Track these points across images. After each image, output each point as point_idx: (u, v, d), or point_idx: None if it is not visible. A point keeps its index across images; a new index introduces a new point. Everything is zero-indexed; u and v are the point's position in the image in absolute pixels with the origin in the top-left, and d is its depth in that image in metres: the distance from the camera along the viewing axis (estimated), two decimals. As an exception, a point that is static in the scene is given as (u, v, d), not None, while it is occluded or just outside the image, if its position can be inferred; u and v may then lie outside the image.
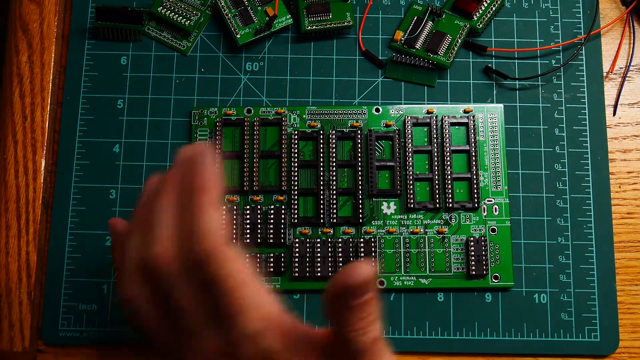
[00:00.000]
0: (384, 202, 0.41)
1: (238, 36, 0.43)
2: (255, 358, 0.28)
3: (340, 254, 0.40)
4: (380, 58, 0.44)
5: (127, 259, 0.30)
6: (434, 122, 0.42)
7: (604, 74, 0.44)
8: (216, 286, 0.28)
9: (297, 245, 0.40)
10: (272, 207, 0.41)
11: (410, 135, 0.42)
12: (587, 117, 0.43)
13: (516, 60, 0.44)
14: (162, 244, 0.29)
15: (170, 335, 0.30)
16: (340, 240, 0.40)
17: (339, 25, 0.43)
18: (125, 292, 0.30)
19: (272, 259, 0.40)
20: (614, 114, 0.43)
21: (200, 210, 0.29)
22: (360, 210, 0.41)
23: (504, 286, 0.40)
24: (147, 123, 0.43)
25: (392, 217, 0.41)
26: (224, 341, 0.29)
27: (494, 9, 0.44)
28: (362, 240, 0.40)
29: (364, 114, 0.42)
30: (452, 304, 0.40)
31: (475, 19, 0.43)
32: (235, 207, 0.41)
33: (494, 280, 0.40)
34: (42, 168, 0.41)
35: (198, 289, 0.29)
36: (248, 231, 0.40)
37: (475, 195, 0.41)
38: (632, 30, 0.44)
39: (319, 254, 0.40)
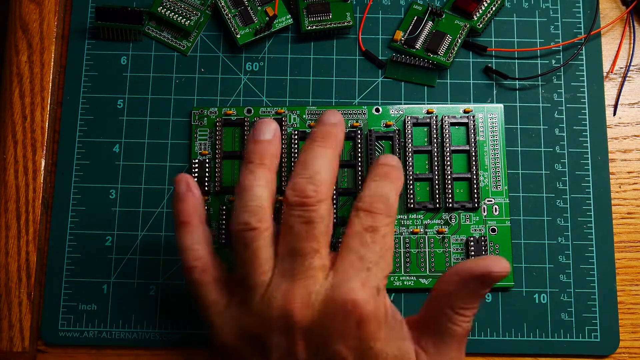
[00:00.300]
0: (384, 202, 0.41)
1: (238, 36, 0.43)
2: (361, 311, 0.31)
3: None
4: (380, 58, 0.44)
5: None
6: (434, 122, 0.42)
7: (604, 74, 0.44)
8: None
9: (297, 245, 0.40)
10: (272, 207, 0.41)
11: (410, 135, 0.42)
12: (587, 117, 0.43)
13: (516, 60, 0.44)
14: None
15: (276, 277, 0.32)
16: (340, 240, 0.40)
17: (339, 25, 0.43)
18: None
19: (272, 259, 0.40)
20: (614, 114, 0.43)
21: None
22: (360, 210, 0.41)
23: (504, 286, 0.40)
24: (147, 123, 0.43)
25: (392, 217, 0.41)
26: (331, 287, 0.31)
27: (494, 9, 0.44)
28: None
29: (364, 114, 0.42)
30: (452, 304, 0.40)
31: (475, 19, 0.43)
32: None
33: (494, 280, 0.40)
34: (42, 168, 0.41)
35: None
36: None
37: (475, 195, 0.41)
38: (632, 30, 0.44)
39: (319, 254, 0.40)
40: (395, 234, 0.41)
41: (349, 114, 0.42)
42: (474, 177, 0.41)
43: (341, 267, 0.32)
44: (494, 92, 0.43)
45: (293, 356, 0.31)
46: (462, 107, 0.42)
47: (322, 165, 0.33)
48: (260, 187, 0.33)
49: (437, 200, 0.41)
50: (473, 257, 0.39)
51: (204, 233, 0.35)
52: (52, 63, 0.43)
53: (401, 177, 0.35)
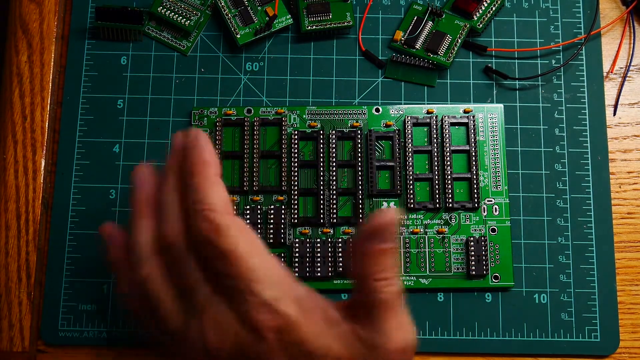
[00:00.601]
0: (384, 202, 0.41)
1: (238, 36, 0.43)
2: (272, 325, 0.29)
3: (340, 254, 0.40)
4: (380, 58, 0.44)
5: (138, 242, 0.31)
6: (434, 122, 0.42)
7: (604, 74, 0.44)
8: (227, 257, 0.29)
9: (297, 245, 0.40)
10: (272, 207, 0.41)
11: (410, 135, 0.42)
12: (587, 117, 0.43)
13: (516, 60, 0.44)
14: (170, 222, 0.30)
15: (185, 316, 0.30)
16: (340, 240, 0.40)
17: (339, 25, 0.43)
18: (139, 274, 0.31)
19: (272, 259, 0.40)
20: (614, 114, 0.43)
21: (203, 184, 0.30)
22: (360, 210, 0.41)
23: (504, 286, 0.40)
24: (147, 123, 0.43)
25: (392, 217, 0.41)
26: (238, 313, 0.29)
27: (494, 9, 0.44)
28: (362, 240, 0.40)
29: (364, 114, 0.42)
30: (452, 304, 0.40)
31: (475, 19, 0.43)
32: (235, 207, 0.41)
33: (494, 280, 0.40)
34: (42, 168, 0.41)
35: (208, 262, 0.29)
36: (248, 231, 0.40)
37: (475, 195, 0.41)
38: (632, 30, 0.44)
39: (319, 254, 0.40)
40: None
41: (349, 114, 0.42)
42: (474, 177, 0.41)
43: (230, 301, 0.30)
44: (494, 92, 0.43)
45: None
46: (462, 107, 0.42)
47: (211, 196, 0.30)
48: (141, 233, 0.32)
49: (437, 200, 0.41)
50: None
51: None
52: (52, 63, 0.43)
53: (206, 149, 0.32)
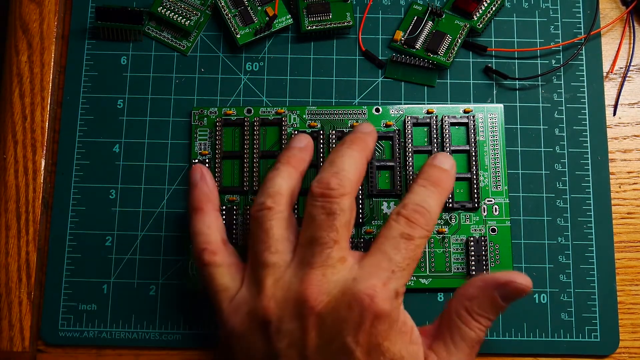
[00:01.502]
0: (384, 202, 0.41)
1: (238, 36, 0.43)
2: (376, 309, 0.31)
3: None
4: (380, 58, 0.44)
5: (279, 183, 0.35)
6: (434, 122, 0.42)
7: (604, 74, 0.44)
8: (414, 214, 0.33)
9: (297, 245, 0.40)
10: (272, 207, 0.41)
11: (410, 135, 0.42)
12: (587, 117, 0.43)
13: (516, 60, 0.44)
14: (343, 173, 0.34)
15: (290, 260, 0.33)
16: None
17: (339, 25, 0.43)
18: (269, 204, 0.34)
19: (272, 259, 0.40)
20: (614, 114, 0.43)
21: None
22: (360, 210, 0.41)
23: (504, 286, 0.40)
24: (147, 123, 0.43)
25: (392, 217, 0.41)
26: (356, 279, 0.32)
27: (494, 9, 0.44)
28: (362, 240, 0.40)
29: (364, 114, 0.42)
30: (452, 304, 0.40)
31: (475, 19, 0.43)
32: (235, 207, 0.41)
33: (494, 280, 0.40)
34: (42, 168, 0.41)
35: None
36: (248, 231, 0.40)
37: (475, 195, 0.41)
38: (632, 30, 0.44)
39: (319, 254, 0.40)
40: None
41: (349, 114, 0.42)
42: (474, 177, 0.41)
43: (368, 263, 0.32)
44: (494, 92, 0.43)
45: (302, 344, 0.31)
46: (462, 107, 0.42)
47: (349, 164, 0.34)
48: (282, 178, 0.35)
49: (437, 200, 0.41)
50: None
51: (216, 220, 0.36)
52: (52, 63, 0.43)
53: (452, 184, 0.36)
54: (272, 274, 0.33)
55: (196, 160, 0.41)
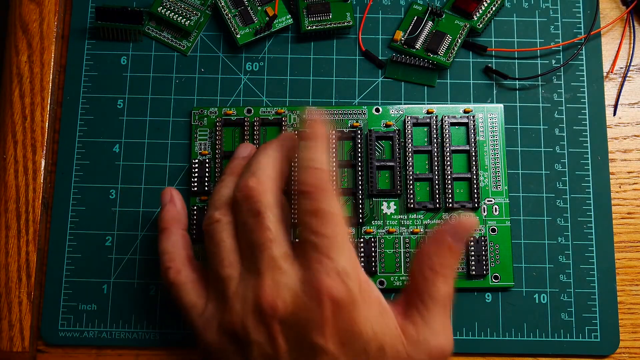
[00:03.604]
0: (384, 202, 0.41)
1: (238, 36, 0.43)
2: (335, 295, 0.30)
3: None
4: (380, 58, 0.44)
5: (219, 192, 0.35)
6: (434, 122, 0.42)
7: (604, 74, 0.44)
8: (323, 215, 0.31)
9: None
10: (272, 207, 0.41)
11: (410, 135, 0.42)
12: (587, 117, 0.43)
13: (516, 60, 0.44)
14: (259, 177, 0.34)
15: (242, 268, 0.33)
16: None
17: (339, 25, 0.43)
18: (212, 218, 0.34)
19: (272, 259, 0.40)
20: (614, 114, 0.43)
21: (315, 147, 0.33)
22: (360, 210, 0.41)
23: (504, 286, 0.40)
24: (147, 123, 0.43)
25: (392, 217, 0.41)
26: (307, 273, 0.31)
27: (494, 9, 0.44)
28: (362, 240, 0.40)
29: (364, 114, 0.42)
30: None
31: (475, 19, 0.43)
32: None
33: (494, 280, 0.40)
34: (42, 168, 0.41)
35: (300, 216, 0.32)
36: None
37: (475, 195, 0.41)
38: (632, 30, 0.44)
39: (319, 254, 0.40)
40: (395, 234, 0.41)
41: (349, 114, 0.42)
42: (474, 177, 0.41)
43: (302, 258, 0.32)
44: (494, 92, 0.43)
45: (273, 352, 0.31)
46: (462, 107, 0.42)
47: (264, 162, 0.34)
48: (227, 187, 0.35)
49: (437, 200, 0.41)
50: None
51: (182, 239, 0.37)
52: (52, 63, 0.43)
53: (326, 130, 0.33)
54: (229, 287, 0.33)
55: (196, 160, 0.41)
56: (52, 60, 0.43)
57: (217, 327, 0.33)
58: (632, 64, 0.44)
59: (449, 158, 0.41)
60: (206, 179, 0.41)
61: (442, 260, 0.32)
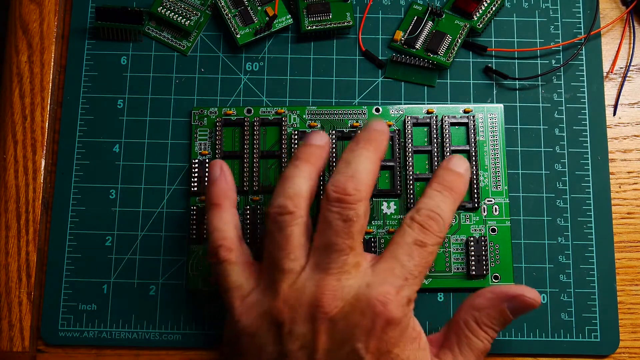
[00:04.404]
0: (384, 202, 0.41)
1: (238, 36, 0.43)
2: (388, 315, 0.31)
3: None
4: (380, 58, 0.44)
5: (298, 183, 0.34)
6: (434, 122, 0.42)
7: (604, 74, 0.44)
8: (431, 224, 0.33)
9: (297, 245, 0.40)
10: (272, 207, 0.40)
11: (410, 135, 0.42)
12: (587, 117, 0.43)
13: (516, 60, 0.44)
14: (357, 176, 0.34)
15: (306, 263, 0.33)
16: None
17: (339, 25, 0.43)
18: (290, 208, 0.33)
19: (272, 259, 0.40)
20: (614, 114, 0.43)
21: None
22: (360, 210, 0.41)
23: (504, 286, 0.40)
24: (147, 123, 0.43)
25: (392, 217, 0.41)
26: (369, 286, 0.32)
27: (494, 9, 0.44)
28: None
29: (364, 114, 0.42)
30: (452, 304, 0.40)
31: (475, 19, 0.43)
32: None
33: (494, 280, 0.40)
34: (42, 168, 0.41)
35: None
36: (248, 231, 0.40)
37: (475, 195, 0.41)
38: (632, 30, 0.44)
39: (319, 254, 0.40)
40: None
41: (349, 114, 0.42)
42: (474, 177, 0.41)
43: (381, 269, 0.33)
44: (494, 92, 0.43)
45: (313, 347, 0.32)
46: (462, 107, 0.42)
47: (364, 166, 0.34)
48: (302, 178, 0.34)
49: (437, 200, 0.41)
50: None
51: (233, 216, 0.36)
52: (52, 63, 0.43)
53: (466, 188, 0.36)
54: (288, 278, 0.33)
55: (196, 160, 0.41)
56: (52, 60, 0.43)
57: (261, 313, 0.33)
58: (632, 64, 0.44)
59: (449, 158, 0.41)
60: (206, 179, 0.41)
61: (491, 320, 0.34)
